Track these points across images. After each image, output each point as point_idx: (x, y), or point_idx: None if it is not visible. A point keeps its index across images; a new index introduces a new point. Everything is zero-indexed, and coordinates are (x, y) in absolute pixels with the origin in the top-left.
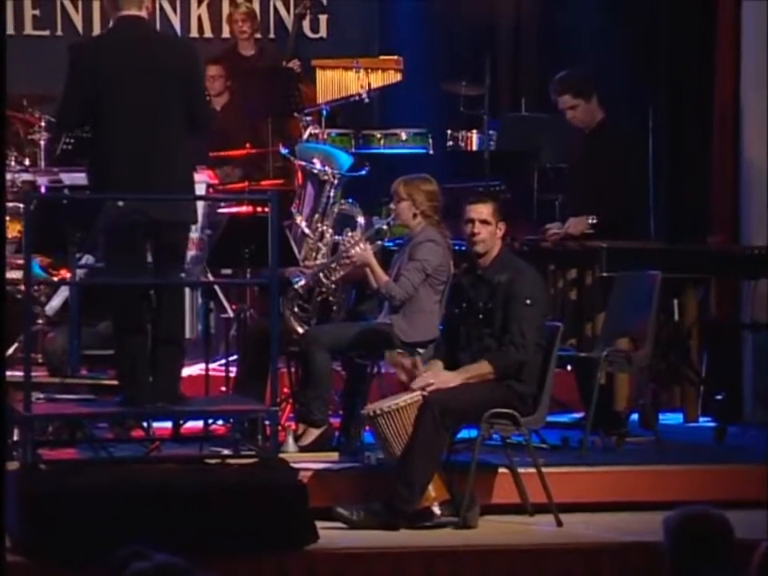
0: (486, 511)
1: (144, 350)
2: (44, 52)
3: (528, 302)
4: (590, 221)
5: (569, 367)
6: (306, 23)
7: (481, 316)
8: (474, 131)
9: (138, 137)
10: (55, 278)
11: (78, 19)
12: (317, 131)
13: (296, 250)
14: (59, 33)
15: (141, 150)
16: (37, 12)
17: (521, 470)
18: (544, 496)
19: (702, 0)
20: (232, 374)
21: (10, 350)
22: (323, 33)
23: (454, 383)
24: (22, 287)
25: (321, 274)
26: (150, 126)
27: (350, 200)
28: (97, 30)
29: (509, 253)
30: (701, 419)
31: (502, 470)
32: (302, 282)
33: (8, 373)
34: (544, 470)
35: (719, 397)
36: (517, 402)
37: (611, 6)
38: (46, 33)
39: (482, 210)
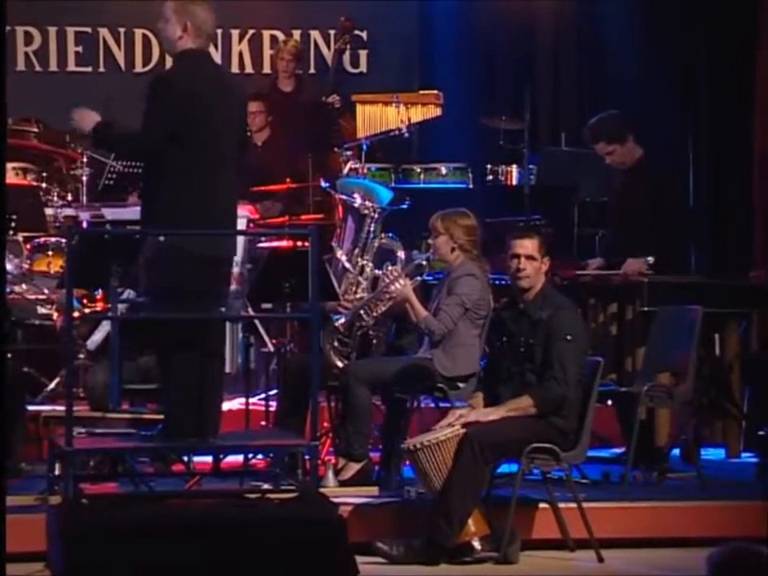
0: (527, 546)
1: (190, 381)
2: (86, 88)
3: (569, 337)
4: (648, 261)
5: (609, 402)
6: (346, 58)
7: (522, 351)
8: (514, 166)
9: (210, 171)
10: (87, 310)
11: (120, 55)
12: (357, 166)
13: (336, 285)
14: (101, 69)
15: (213, 182)
16: (79, 49)
17: (561, 505)
18: (585, 531)
19: (742, 36)
20: (272, 409)
21: (52, 384)
22: (363, 68)
23: (495, 416)
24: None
25: (361, 311)
26: (221, 157)
27: (390, 234)
28: (139, 67)
29: (551, 288)
30: (743, 454)
31: (542, 505)
32: (343, 320)
33: (50, 407)
34: (585, 505)
35: (762, 432)
36: (557, 436)
37: (651, 41)
38: (89, 69)
39: (528, 245)
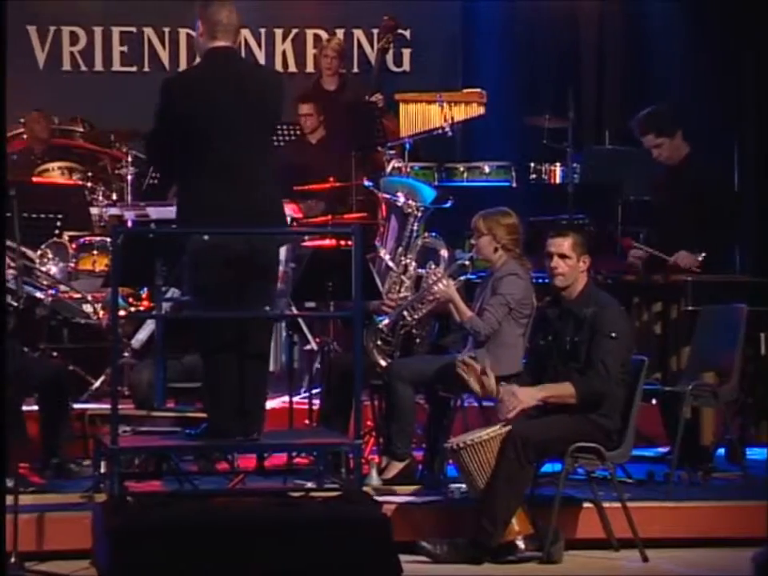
0: (571, 546)
1: (233, 380)
2: (131, 88)
3: (613, 335)
4: (699, 258)
5: (654, 401)
6: (389, 57)
7: (567, 349)
8: (557, 164)
9: (232, 169)
10: (133, 309)
11: (164, 55)
12: (400, 165)
13: (379, 283)
14: (146, 69)
15: (233, 180)
16: (125, 48)
17: (606, 505)
18: (629, 531)
19: None
20: (315, 407)
21: (97, 383)
22: (406, 67)
23: (534, 399)
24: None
25: (405, 311)
26: (242, 156)
27: (434, 233)
28: (183, 65)
29: (595, 287)
30: None
31: (586, 504)
32: (386, 321)
33: (95, 405)
34: (629, 504)
35: None
36: (602, 436)
37: (696, 38)
38: (134, 69)
39: (561, 244)
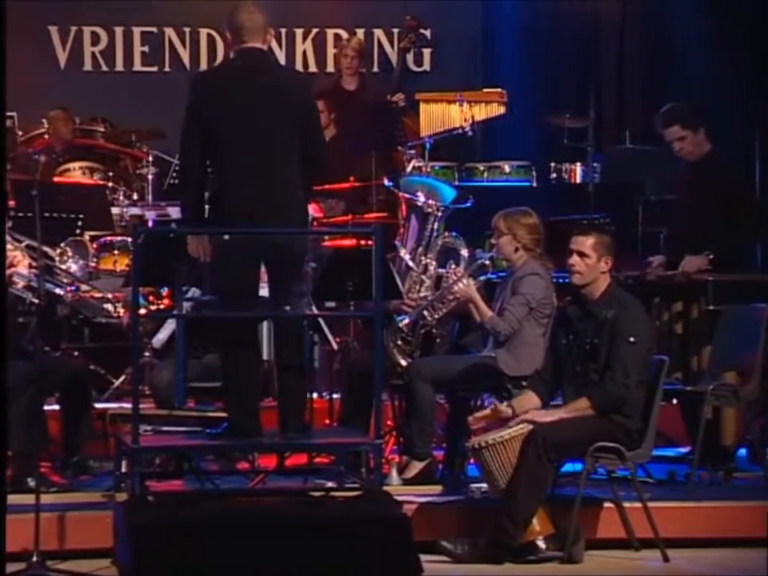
0: (592, 546)
1: (253, 380)
2: (152, 88)
3: (632, 339)
4: (707, 257)
5: (674, 401)
6: (409, 57)
7: (587, 350)
8: (578, 164)
9: (254, 167)
10: (153, 307)
11: (185, 55)
12: (420, 164)
13: (400, 283)
14: (167, 69)
15: (257, 180)
16: (145, 48)
17: (626, 505)
18: (650, 531)
19: None
20: (336, 407)
21: (118, 382)
22: (427, 66)
23: (552, 419)
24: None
25: (425, 311)
26: (266, 156)
27: (454, 233)
28: (204, 66)
29: (617, 288)
30: None
31: (607, 504)
32: (406, 321)
33: (116, 405)
34: (650, 504)
35: None
36: (622, 436)
37: (717, 38)
38: (154, 69)
39: (581, 242)
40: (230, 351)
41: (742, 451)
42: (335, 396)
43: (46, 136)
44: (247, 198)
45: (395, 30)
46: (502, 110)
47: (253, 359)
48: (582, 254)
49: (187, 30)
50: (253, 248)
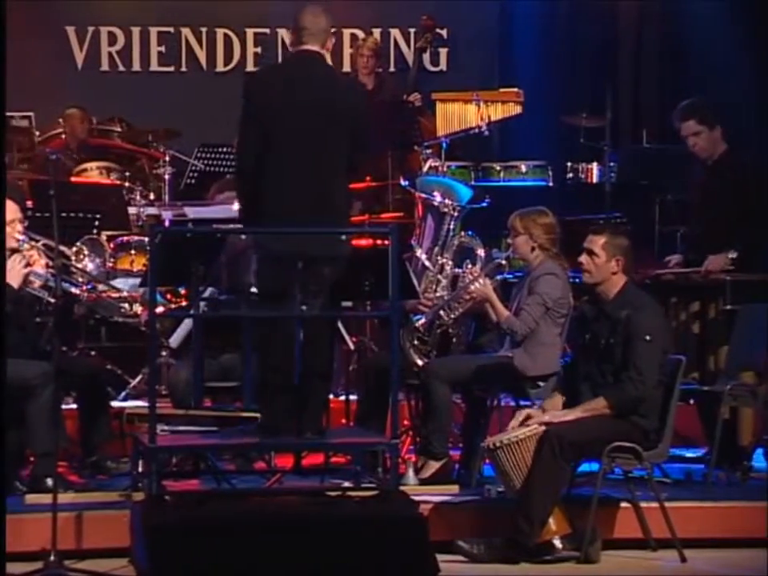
0: (608, 546)
1: (287, 380)
2: (169, 88)
3: (647, 338)
4: (729, 256)
5: (691, 401)
6: (426, 56)
7: (602, 350)
8: (595, 163)
9: (300, 168)
10: (173, 306)
11: (201, 55)
12: (437, 164)
13: (416, 283)
14: (184, 69)
15: (302, 181)
16: (162, 48)
17: (643, 505)
18: (667, 531)
19: None
20: (352, 407)
21: (135, 382)
22: (443, 66)
23: (569, 419)
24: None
25: (441, 311)
26: (313, 158)
27: (470, 232)
28: (220, 66)
29: (634, 288)
30: None
31: (624, 504)
32: (423, 321)
33: (133, 403)
34: (667, 504)
35: None
36: (639, 435)
37: (735, 38)
38: (171, 69)
39: (593, 241)
40: (266, 351)
41: (759, 451)
42: (352, 396)
43: (63, 136)
44: (291, 199)
45: (411, 30)
46: (518, 109)
47: (288, 359)
48: (591, 253)
49: (204, 30)
50: (292, 250)
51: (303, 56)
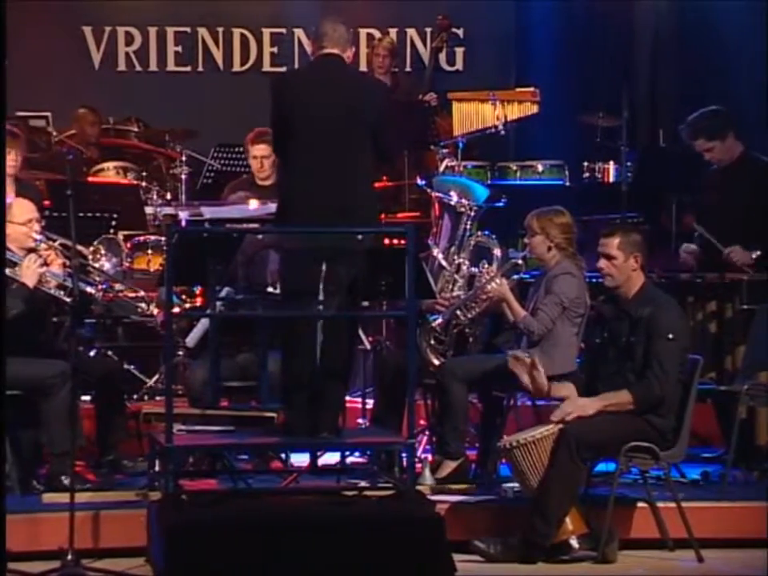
0: (625, 546)
1: (308, 379)
2: (186, 88)
3: (670, 336)
4: (753, 255)
5: (708, 401)
6: (442, 56)
7: (623, 350)
8: (611, 163)
9: (324, 168)
10: (188, 305)
11: (218, 55)
12: (453, 163)
13: (432, 282)
14: (200, 69)
15: (327, 183)
16: (179, 48)
17: (660, 505)
18: (684, 531)
19: None
20: (369, 406)
21: (151, 381)
22: (459, 66)
23: (593, 409)
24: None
25: (458, 310)
26: (337, 157)
27: (487, 232)
28: (237, 66)
29: (652, 286)
30: None
31: (641, 504)
32: (439, 320)
33: (150, 404)
34: (684, 504)
35: None
36: (656, 435)
37: (748, 37)
38: (188, 69)
39: (607, 244)
40: (289, 350)
41: None
42: (368, 395)
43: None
44: (317, 199)
45: (428, 30)
46: (534, 109)
47: (310, 359)
48: (609, 257)
49: (220, 30)
50: (316, 248)
51: (326, 59)
